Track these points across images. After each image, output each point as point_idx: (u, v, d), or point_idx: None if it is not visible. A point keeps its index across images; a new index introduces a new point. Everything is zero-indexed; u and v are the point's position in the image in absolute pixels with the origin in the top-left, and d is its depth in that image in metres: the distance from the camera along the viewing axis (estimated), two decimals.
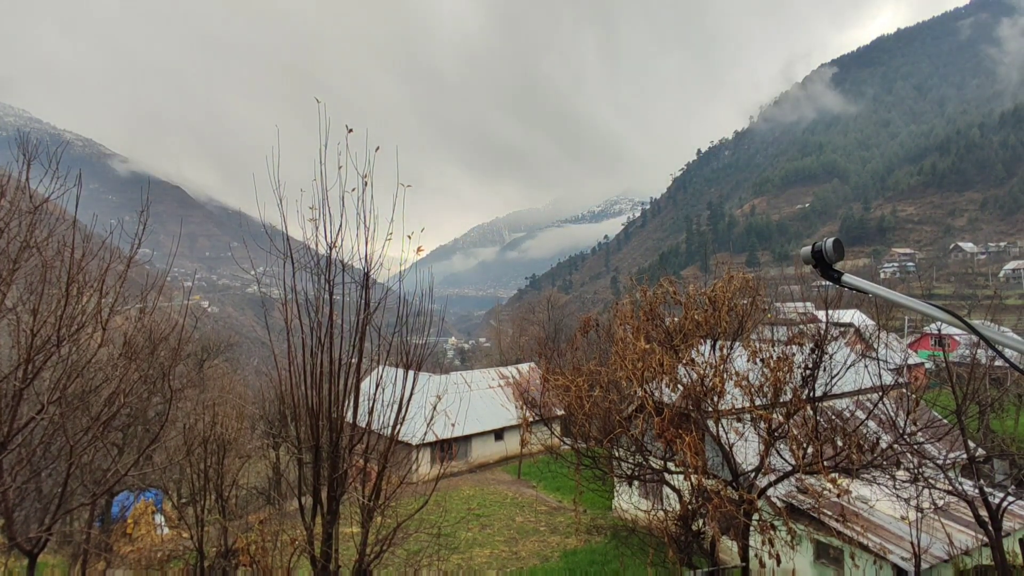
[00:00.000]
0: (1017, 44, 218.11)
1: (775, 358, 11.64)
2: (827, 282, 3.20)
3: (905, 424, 11.45)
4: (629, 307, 14.32)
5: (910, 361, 26.80)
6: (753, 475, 12.22)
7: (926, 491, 12.01)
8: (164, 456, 16.39)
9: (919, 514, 12.41)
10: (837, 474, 11.00)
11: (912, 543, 12.00)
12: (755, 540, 11.75)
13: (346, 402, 8.03)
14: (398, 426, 8.33)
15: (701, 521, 12.93)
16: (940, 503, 12.62)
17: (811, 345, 11.79)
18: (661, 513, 13.34)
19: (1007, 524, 13.04)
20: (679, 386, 12.20)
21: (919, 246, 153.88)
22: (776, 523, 11.56)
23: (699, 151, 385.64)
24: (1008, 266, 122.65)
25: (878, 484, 12.68)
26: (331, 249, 7.75)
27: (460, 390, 33.81)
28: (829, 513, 13.69)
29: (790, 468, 11.70)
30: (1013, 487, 12.12)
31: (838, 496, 11.62)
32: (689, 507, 12.62)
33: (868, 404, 12.59)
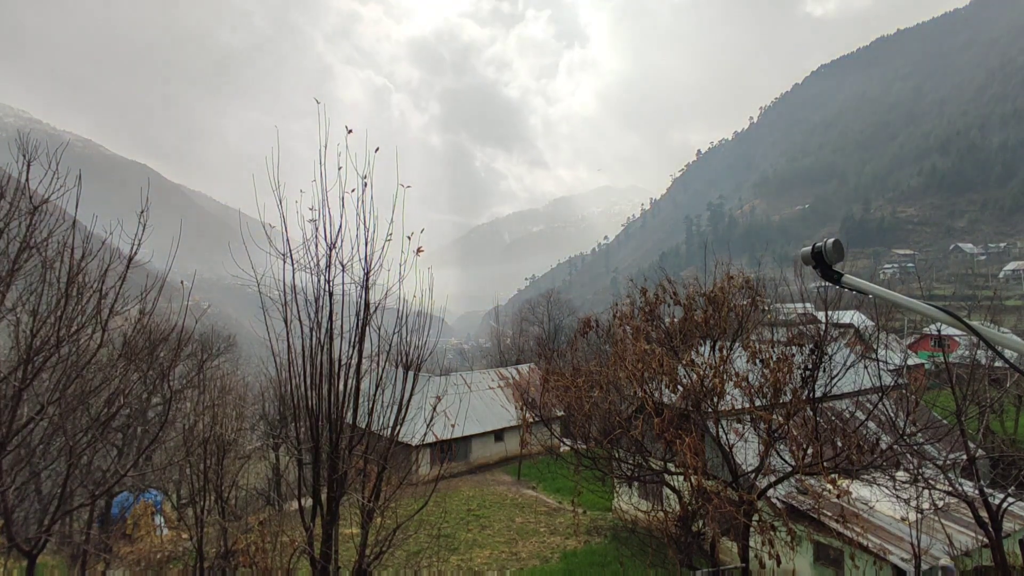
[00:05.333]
0: (1018, 44, 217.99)
1: (775, 359, 11.63)
2: (827, 282, 3.20)
3: (905, 425, 11.45)
4: (629, 308, 14.32)
5: (910, 362, 26.81)
6: (753, 476, 12.21)
7: (926, 492, 12.00)
8: (164, 457, 16.39)
9: (919, 515, 12.40)
10: (837, 475, 10.99)
11: (912, 544, 11.98)
12: (755, 541, 11.75)
13: (346, 403, 8.02)
14: (398, 427, 8.32)
15: (701, 522, 12.93)
16: (940, 504, 12.61)
17: (811, 346, 11.79)
18: (661, 514, 13.33)
19: (1007, 525, 13.02)
20: (679, 387, 12.20)
21: (919, 247, 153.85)
22: (776, 524, 11.55)
23: (699, 151, 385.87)
24: (1008, 267, 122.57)
25: (878, 485, 12.67)
26: (331, 249, 7.75)
27: (460, 391, 33.80)
28: (829, 514, 13.68)
29: (790, 469, 11.69)
30: (1013, 487, 12.11)
31: (838, 497, 11.62)
32: (689, 508, 12.62)
33: (868, 405, 12.59)
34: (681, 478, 12.59)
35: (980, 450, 12.18)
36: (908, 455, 11.65)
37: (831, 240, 3.06)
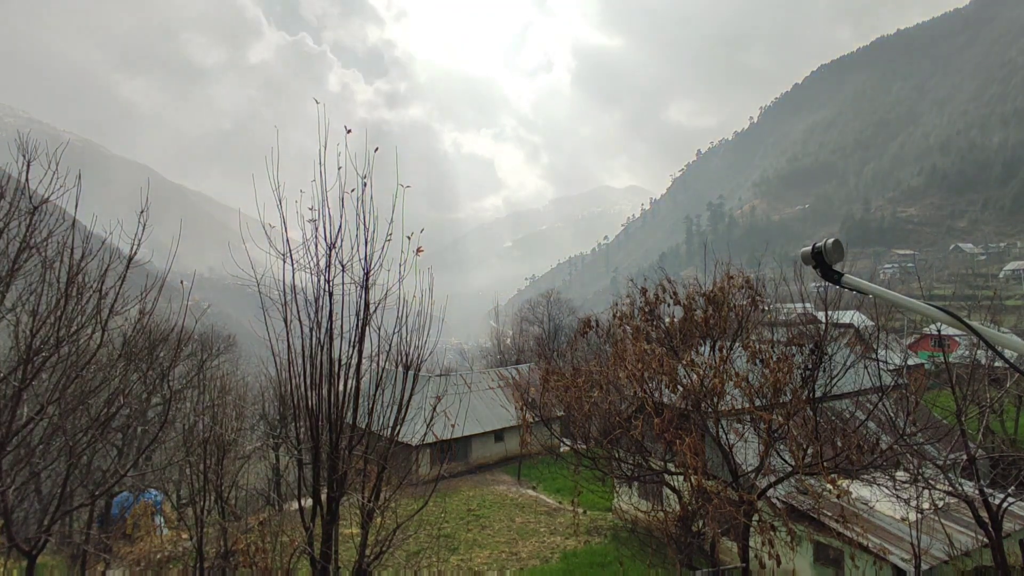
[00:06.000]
0: (1018, 44, 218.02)
1: (775, 359, 11.64)
2: (827, 282, 3.20)
3: (905, 425, 11.45)
4: (629, 308, 14.32)
5: (910, 362, 26.80)
6: (753, 476, 12.21)
7: (926, 492, 12.00)
8: (164, 457, 16.38)
9: (919, 515, 12.41)
10: (837, 475, 10.99)
11: (912, 544, 11.99)
12: (755, 541, 11.75)
13: (346, 403, 8.02)
14: (398, 427, 8.32)
15: (701, 522, 12.93)
16: (940, 504, 12.61)
17: (811, 346, 11.79)
18: (661, 514, 13.33)
19: (1007, 525, 13.02)
20: (679, 387, 12.20)
21: (919, 247, 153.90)
22: (776, 524, 11.55)
23: (699, 151, 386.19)
24: (1008, 267, 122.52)
25: (878, 485, 12.66)
26: (331, 249, 7.75)
27: (460, 391, 33.76)
28: (829, 514, 13.68)
29: (790, 469, 11.69)
30: (1013, 487, 12.12)
31: (838, 497, 11.61)
32: (689, 508, 12.62)
33: (868, 405, 12.58)
34: (681, 478, 12.59)
35: (980, 450, 12.17)
36: (908, 455, 11.65)
37: (831, 240, 3.05)
